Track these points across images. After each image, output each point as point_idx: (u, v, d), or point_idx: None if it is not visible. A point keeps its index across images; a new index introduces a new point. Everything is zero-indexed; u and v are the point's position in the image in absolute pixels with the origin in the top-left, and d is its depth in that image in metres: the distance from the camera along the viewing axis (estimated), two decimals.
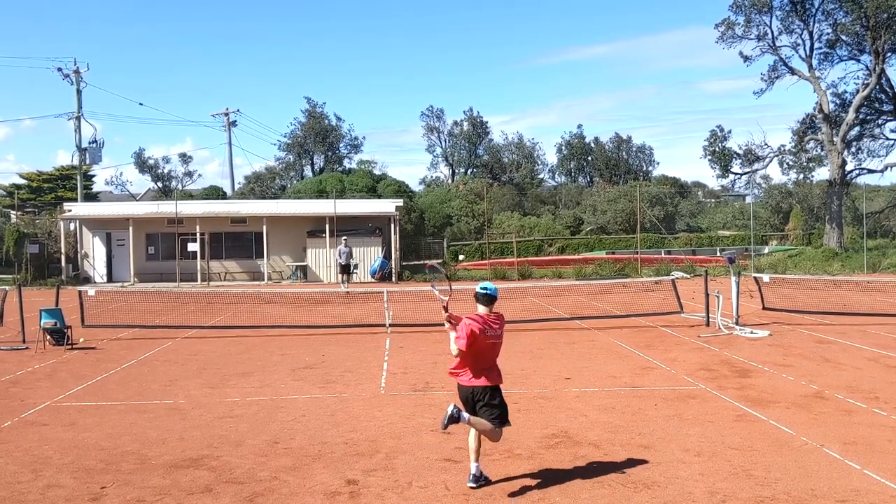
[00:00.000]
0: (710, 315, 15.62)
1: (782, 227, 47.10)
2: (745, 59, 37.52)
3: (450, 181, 60.15)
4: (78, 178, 42.51)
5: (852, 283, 24.14)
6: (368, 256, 32.06)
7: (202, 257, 31.78)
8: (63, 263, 32.24)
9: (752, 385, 9.97)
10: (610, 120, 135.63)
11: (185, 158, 57.36)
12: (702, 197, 63.24)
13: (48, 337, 13.98)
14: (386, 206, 34.99)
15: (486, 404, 6.22)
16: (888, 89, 36.51)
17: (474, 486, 6.15)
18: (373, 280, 31.24)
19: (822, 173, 41.56)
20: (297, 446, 7.47)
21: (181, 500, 6.06)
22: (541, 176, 63.55)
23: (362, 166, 55.18)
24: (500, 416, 6.23)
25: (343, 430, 8.03)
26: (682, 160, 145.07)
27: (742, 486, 6.14)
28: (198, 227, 31.64)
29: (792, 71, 36.98)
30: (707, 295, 15.77)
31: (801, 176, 44.04)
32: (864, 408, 8.66)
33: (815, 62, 36.54)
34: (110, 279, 32.61)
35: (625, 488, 6.15)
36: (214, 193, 50.46)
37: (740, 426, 7.97)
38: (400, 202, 35.97)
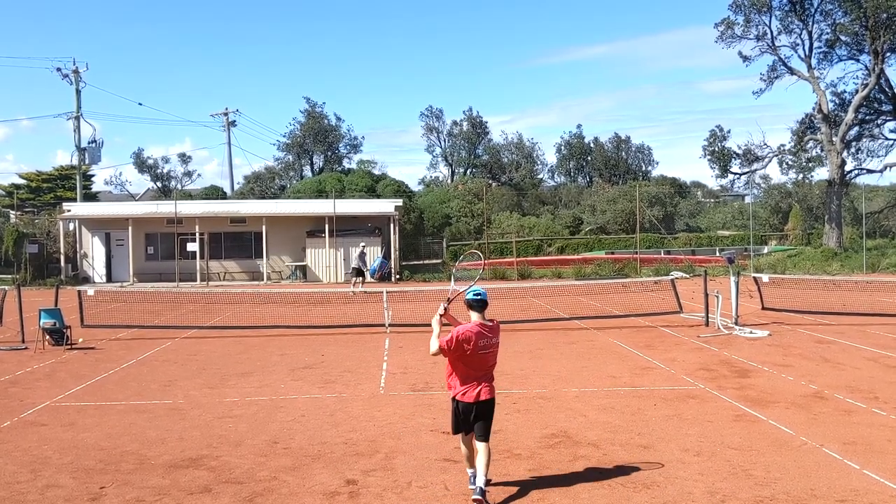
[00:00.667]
0: (710, 315, 15.62)
1: (782, 227, 47.12)
2: (745, 58, 37.57)
3: (449, 181, 60.15)
4: (77, 177, 42.49)
5: (851, 282, 24.14)
6: (368, 256, 32.04)
7: (201, 257, 31.76)
8: (62, 263, 32.23)
9: (752, 385, 9.98)
10: (609, 120, 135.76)
11: (184, 158, 57.36)
12: (701, 197, 63.24)
13: (47, 337, 13.97)
14: (385, 206, 34.99)
15: (485, 418, 6.09)
16: (887, 89, 36.53)
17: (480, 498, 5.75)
18: (372, 280, 31.27)
19: (822, 173, 41.64)
20: (296, 446, 7.47)
21: (180, 500, 6.06)
22: (540, 176, 63.57)
23: (362, 166, 55.17)
24: (488, 429, 6.13)
25: (342, 430, 8.03)
26: (681, 160, 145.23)
27: (741, 486, 6.15)
28: (197, 227, 31.63)
29: (791, 71, 37.00)
30: (706, 295, 15.77)
31: (801, 176, 44.10)
32: (864, 408, 8.66)
33: (814, 62, 36.59)
34: (109, 279, 32.60)
35: (624, 488, 6.15)
36: (214, 193, 50.45)
37: (740, 426, 7.97)
38: (399, 202, 35.98)
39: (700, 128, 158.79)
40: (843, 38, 35.70)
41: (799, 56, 36.70)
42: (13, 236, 32.62)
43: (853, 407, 8.71)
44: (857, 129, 37.83)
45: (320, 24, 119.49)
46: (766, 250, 39.59)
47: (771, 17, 36.16)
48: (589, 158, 66.27)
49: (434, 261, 39.85)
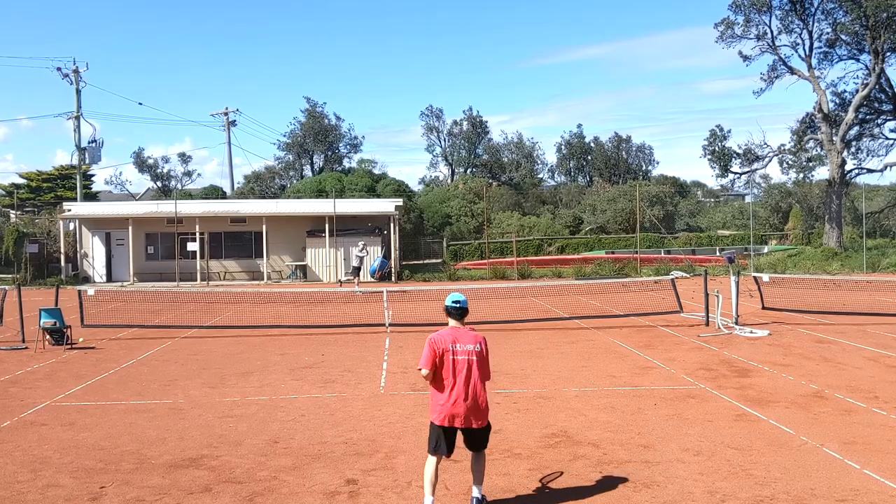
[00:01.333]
0: (710, 315, 15.62)
1: (782, 226, 47.08)
2: (745, 58, 37.55)
3: (449, 181, 60.14)
4: (77, 177, 42.49)
5: (852, 282, 24.14)
6: (368, 256, 32.07)
7: (201, 257, 31.76)
8: (62, 263, 32.23)
9: (752, 385, 9.98)
10: (609, 119, 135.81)
11: (184, 158, 57.33)
12: (701, 196, 63.20)
13: (47, 337, 13.98)
14: (385, 205, 34.98)
15: (479, 445, 5.71)
16: (888, 89, 36.51)
17: None
18: (372, 279, 31.27)
19: (822, 173, 41.61)
20: (296, 446, 7.47)
21: (180, 499, 6.06)
22: (540, 175, 63.54)
23: (362, 166, 55.16)
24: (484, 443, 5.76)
25: (342, 430, 8.03)
26: (681, 160, 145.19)
27: (741, 486, 6.15)
28: (197, 227, 31.63)
29: (791, 70, 36.99)
30: (706, 294, 15.77)
31: (801, 175, 44.04)
32: (864, 407, 8.66)
33: (814, 62, 36.58)
34: (110, 279, 32.60)
35: (624, 487, 6.15)
36: (214, 193, 50.44)
37: (740, 426, 7.97)
38: (399, 202, 35.97)
39: (700, 127, 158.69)
40: (843, 37, 35.69)
41: (799, 56, 36.74)
42: (13, 236, 32.62)
43: (853, 406, 8.71)
44: (857, 128, 37.82)
45: (320, 23, 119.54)
46: (766, 250, 39.57)
47: (771, 16, 36.18)
48: (589, 158, 66.24)
49: (434, 260, 39.86)
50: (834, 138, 35.68)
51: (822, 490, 6.03)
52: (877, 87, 35.82)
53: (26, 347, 13.88)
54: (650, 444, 7.31)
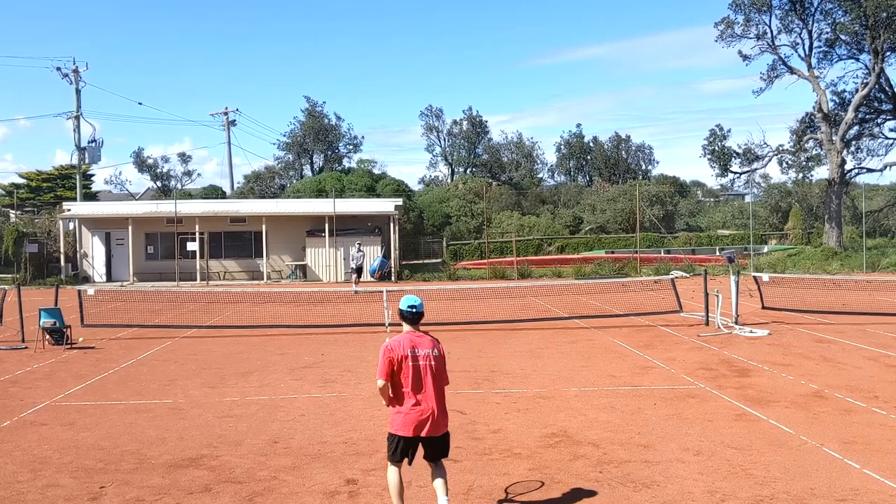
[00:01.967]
0: (710, 314, 15.62)
1: (781, 226, 47.07)
2: (745, 58, 37.55)
3: (449, 180, 60.13)
4: (77, 177, 42.48)
5: (851, 282, 24.14)
6: (368, 256, 32.04)
7: (201, 257, 31.76)
8: (62, 263, 32.22)
9: (752, 384, 9.98)
10: (609, 119, 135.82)
11: (184, 158, 57.31)
12: (701, 196, 63.19)
13: (47, 336, 13.98)
14: (385, 205, 34.98)
15: (441, 454, 5.49)
16: (887, 88, 36.50)
17: None
18: (372, 279, 31.26)
19: (822, 172, 41.61)
20: (296, 446, 7.47)
21: (180, 499, 6.06)
22: (540, 175, 63.54)
23: (362, 165, 55.15)
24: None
25: (342, 430, 8.03)
26: (681, 159, 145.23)
27: (741, 485, 6.15)
28: (197, 227, 31.63)
29: (791, 70, 36.98)
30: (706, 294, 15.77)
31: (801, 175, 44.06)
32: (864, 407, 8.66)
33: (814, 61, 36.57)
34: (109, 278, 32.59)
35: (624, 487, 6.15)
36: (213, 193, 50.41)
37: (739, 425, 7.97)
38: (399, 201, 35.97)
39: (699, 127, 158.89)
40: (843, 37, 35.68)
41: (799, 55, 36.74)
42: (13, 236, 32.61)
43: (853, 406, 8.71)
44: (856, 128, 37.81)
45: (320, 23, 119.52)
46: (765, 249, 39.56)
47: (771, 16, 36.18)
48: (589, 158, 66.25)
49: (434, 260, 39.85)
50: (833, 138, 35.68)
51: (822, 490, 6.03)
52: (876, 86, 35.81)
53: (26, 347, 13.87)
54: (650, 444, 7.31)
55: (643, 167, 66.13)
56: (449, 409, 8.82)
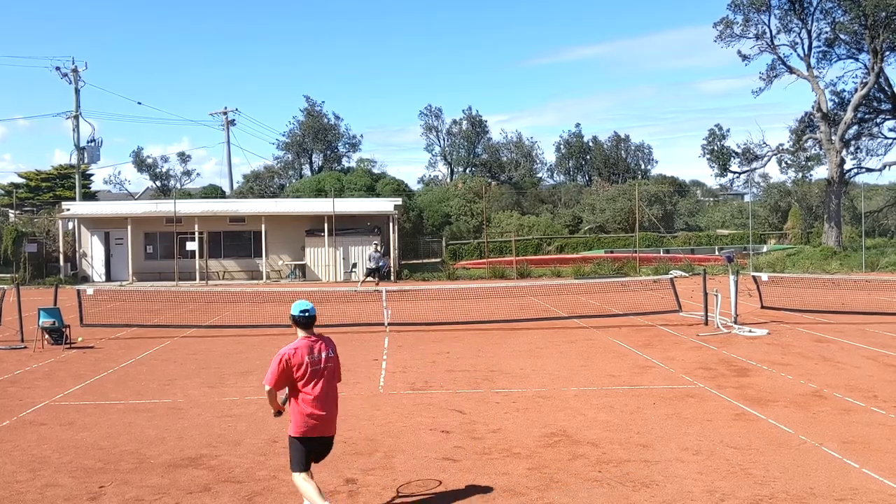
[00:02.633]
0: (709, 314, 15.63)
1: (781, 225, 47.07)
2: (744, 57, 37.53)
3: (448, 180, 60.11)
4: (76, 177, 42.45)
5: (851, 281, 24.16)
6: (367, 256, 32.04)
7: (201, 256, 31.75)
8: (61, 262, 32.19)
9: (751, 384, 9.98)
10: (608, 119, 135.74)
11: (183, 157, 57.28)
12: (700, 196, 63.18)
13: (46, 336, 13.97)
14: (384, 204, 34.96)
15: (327, 453, 5.67)
16: (886, 88, 36.51)
17: None
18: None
19: (821, 172, 41.61)
20: None
21: (180, 499, 6.06)
22: (539, 175, 63.52)
23: (361, 165, 55.13)
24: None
25: (341, 429, 7.98)
26: (680, 159, 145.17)
27: (740, 485, 6.15)
28: (196, 227, 31.61)
29: (790, 70, 36.98)
30: (706, 294, 15.78)
31: (800, 175, 44.08)
32: (863, 406, 8.66)
33: (813, 61, 36.57)
34: (109, 278, 32.57)
35: (623, 487, 6.15)
36: (213, 192, 50.38)
37: (739, 425, 7.98)
38: (398, 201, 35.95)
39: (699, 127, 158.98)
40: (842, 36, 35.68)
41: (798, 55, 36.73)
42: (12, 235, 32.58)
43: (852, 406, 8.72)
44: (856, 127, 37.81)
45: (320, 23, 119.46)
46: (765, 249, 39.56)
47: (770, 15, 36.17)
48: (588, 157, 66.24)
49: (433, 260, 39.84)
50: (833, 137, 35.69)
51: (822, 489, 6.03)
52: (876, 86, 35.81)
53: (25, 347, 13.87)
54: (649, 444, 7.31)
55: (642, 167, 66.12)
56: (449, 408, 8.88)
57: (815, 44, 36.39)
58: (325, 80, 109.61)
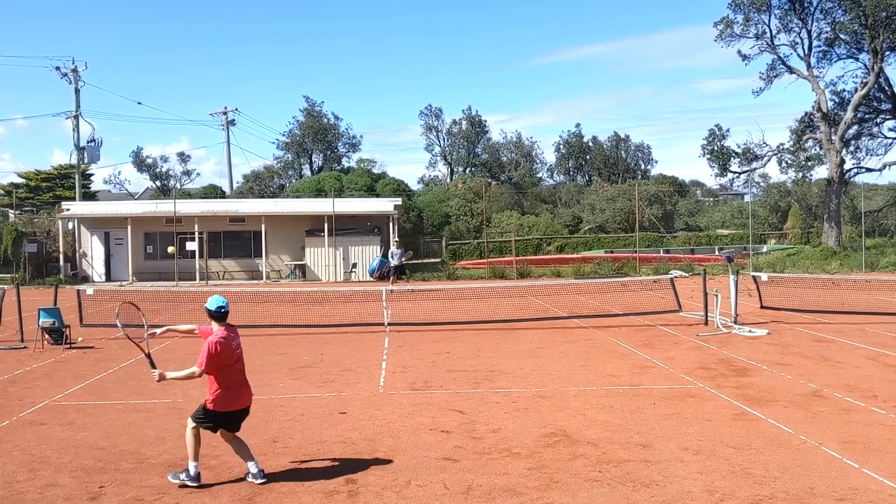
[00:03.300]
0: (709, 314, 15.63)
1: (781, 225, 47.06)
2: (744, 57, 37.51)
3: (448, 180, 60.10)
4: (76, 177, 42.45)
5: (850, 281, 24.16)
6: (367, 256, 32.08)
7: (200, 256, 31.75)
8: (61, 262, 32.19)
9: (751, 384, 9.98)
10: (608, 119, 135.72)
11: (183, 157, 57.27)
12: (700, 196, 63.17)
13: (46, 336, 13.97)
14: (384, 204, 34.96)
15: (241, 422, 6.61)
16: (887, 88, 36.49)
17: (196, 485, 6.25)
18: (371, 279, 31.26)
19: (821, 172, 41.54)
20: (295, 445, 7.47)
21: (179, 499, 6.06)
22: (539, 175, 63.50)
23: (361, 165, 55.13)
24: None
25: (341, 430, 8.03)
26: (680, 159, 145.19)
27: (740, 485, 6.15)
28: (196, 227, 31.61)
29: (790, 70, 36.96)
30: (705, 294, 15.78)
31: (800, 175, 44.01)
32: (863, 406, 8.67)
33: (813, 61, 36.54)
34: (109, 278, 32.57)
35: (623, 487, 6.15)
36: (213, 192, 50.38)
37: (739, 425, 7.98)
38: (398, 201, 35.94)
39: (699, 127, 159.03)
40: (842, 36, 35.66)
41: (798, 55, 36.70)
42: (12, 235, 32.58)
43: (852, 406, 8.72)
44: (856, 127, 37.79)
45: (320, 23, 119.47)
46: (765, 249, 39.55)
47: (770, 15, 36.14)
48: (588, 157, 66.22)
49: (433, 260, 39.84)
50: (833, 137, 35.68)
51: (821, 489, 6.03)
52: (876, 86, 35.80)
53: (25, 347, 13.87)
54: (649, 444, 7.31)
55: (642, 167, 66.09)
56: (449, 408, 8.89)
57: (815, 43, 36.40)
58: (325, 80, 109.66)
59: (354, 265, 32.04)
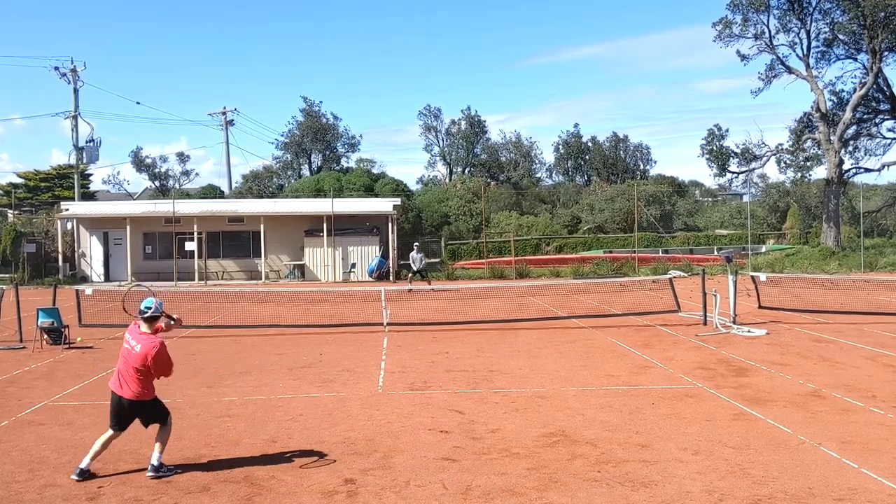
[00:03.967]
0: (708, 314, 15.64)
1: (780, 225, 47.08)
2: (743, 57, 37.51)
3: (447, 180, 60.08)
4: (75, 176, 42.42)
5: (849, 281, 24.18)
6: (366, 256, 32.08)
7: (199, 256, 31.73)
8: (60, 262, 32.17)
9: (750, 384, 9.99)
10: (607, 119, 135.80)
11: (182, 157, 57.21)
12: (699, 196, 63.20)
13: (45, 336, 13.96)
14: (384, 205, 34.96)
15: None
16: (885, 88, 36.52)
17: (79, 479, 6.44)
18: (370, 279, 31.26)
19: (820, 172, 41.55)
20: (294, 445, 7.47)
21: (178, 499, 6.06)
22: (538, 175, 63.52)
23: (360, 165, 55.10)
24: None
25: (341, 430, 8.03)
26: (679, 159, 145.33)
27: (739, 485, 6.15)
28: (195, 227, 31.58)
29: (789, 70, 36.97)
30: (704, 294, 15.79)
31: (799, 175, 44.04)
32: (862, 406, 8.67)
33: (812, 61, 36.55)
34: (107, 278, 32.55)
35: (622, 487, 6.15)
36: (212, 192, 50.31)
37: (738, 425, 7.98)
38: (398, 201, 35.95)
39: (698, 127, 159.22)
40: (841, 37, 35.68)
41: (797, 55, 36.71)
42: (11, 235, 32.56)
43: (851, 406, 8.72)
44: (854, 127, 37.80)
45: (319, 23, 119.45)
46: (764, 249, 39.57)
47: (769, 15, 36.15)
48: (587, 157, 66.22)
49: (432, 260, 39.84)
50: (832, 138, 35.70)
51: (820, 489, 6.04)
52: (874, 86, 35.82)
53: (24, 347, 13.86)
54: (648, 444, 7.32)
55: (641, 167, 66.10)
56: (448, 408, 8.89)
57: (813, 44, 36.41)
58: (325, 80, 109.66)
59: (353, 265, 32.04)
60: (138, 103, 54.88)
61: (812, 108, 36.86)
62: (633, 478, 6.35)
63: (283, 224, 33.05)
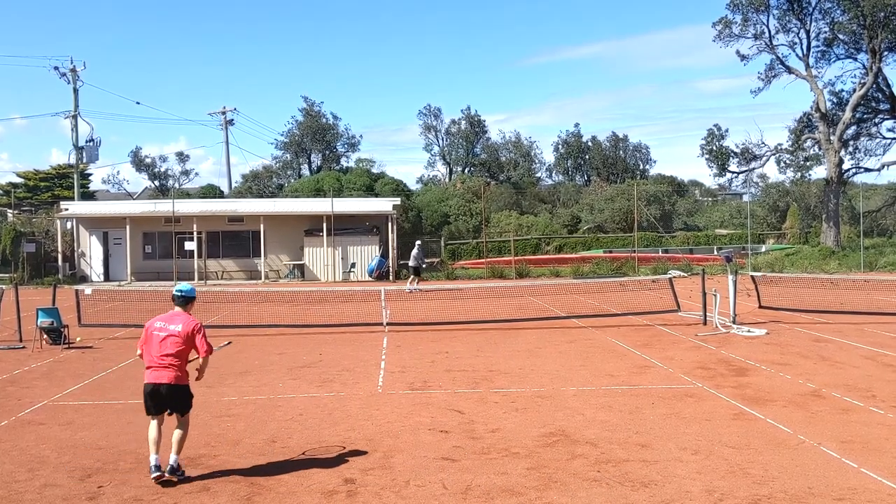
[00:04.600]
0: (708, 314, 15.64)
1: (779, 225, 47.09)
2: (742, 57, 37.52)
3: (447, 180, 60.08)
4: (75, 176, 42.41)
5: (849, 281, 24.18)
6: (366, 255, 32.08)
7: (199, 256, 31.73)
8: (60, 262, 32.16)
9: (749, 383, 9.99)
10: (606, 118, 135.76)
11: (181, 157, 57.20)
12: (699, 195, 63.23)
13: (45, 336, 13.96)
14: (383, 204, 34.96)
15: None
16: (885, 88, 36.52)
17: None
18: (370, 279, 31.26)
19: (820, 172, 41.58)
20: (294, 445, 7.47)
21: (178, 499, 6.06)
22: (538, 175, 63.51)
23: (360, 165, 55.09)
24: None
25: (340, 429, 8.03)
26: (679, 159, 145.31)
27: (739, 485, 6.15)
28: (195, 226, 31.57)
29: (789, 70, 36.97)
30: (704, 293, 15.79)
31: (799, 175, 44.06)
32: (861, 406, 8.67)
33: (812, 61, 36.56)
34: (107, 278, 32.54)
35: (622, 486, 6.15)
36: (211, 192, 50.30)
37: (737, 424, 7.98)
38: (397, 201, 35.94)
39: (697, 126, 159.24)
40: (840, 36, 35.69)
41: (797, 55, 36.72)
42: (10, 235, 32.55)
43: (851, 405, 8.72)
44: (854, 127, 37.80)
45: (319, 23, 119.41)
46: (763, 249, 39.58)
47: (769, 15, 36.15)
48: (586, 157, 66.22)
49: (432, 260, 39.84)
50: (831, 137, 35.70)
51: (820, 489, 6.04)
52: (874, 86, 35.82)
53: (24, 347, 13.85)
54: (648, 443, 7.32)
55: (641, 166, 66.11)
56: (448, 408, 8.90)
57: (813, 44, 36.41)
58: (324, 80, 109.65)
59: (353, 265, 32.03)
60: (138, 103, 54.99)
61: (812, 107, 36.86)
62: (632, 477, 6.36)
63: (283, 224, 33.04)
